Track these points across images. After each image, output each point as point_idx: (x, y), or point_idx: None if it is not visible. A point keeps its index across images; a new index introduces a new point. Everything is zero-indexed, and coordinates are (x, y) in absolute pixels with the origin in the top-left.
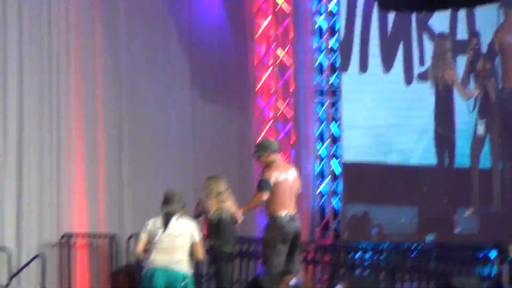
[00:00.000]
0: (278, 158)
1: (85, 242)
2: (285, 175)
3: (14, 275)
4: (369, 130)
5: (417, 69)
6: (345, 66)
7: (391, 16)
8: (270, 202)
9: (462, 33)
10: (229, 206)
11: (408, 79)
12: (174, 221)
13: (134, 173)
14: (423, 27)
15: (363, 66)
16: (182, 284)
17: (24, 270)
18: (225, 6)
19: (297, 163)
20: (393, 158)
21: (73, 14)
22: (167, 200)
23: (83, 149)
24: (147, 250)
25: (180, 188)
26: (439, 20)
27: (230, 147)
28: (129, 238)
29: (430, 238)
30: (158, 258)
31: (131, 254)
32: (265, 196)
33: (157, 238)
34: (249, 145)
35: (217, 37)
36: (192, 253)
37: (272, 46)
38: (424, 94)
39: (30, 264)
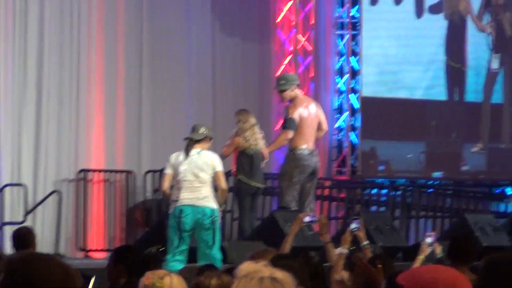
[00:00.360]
0: (300, 92)
1: (101, 177)
2: (308, 110)
3: (30, 211)
4: (380, 64)
5: (428, 1)
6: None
7: None
8: (292, 136)
9: None
10: (261, 141)
11: (419, 12)
12: (196, 155)
13: (153, 107)
14: None
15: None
16: (210, 219)
17: (40, 206)
18: None
19: (316, 97)
20: (400, 93)
21: None
22: (192, 130)
23: (101, 84)
24: (173, 185)
25: (200, 122)
26: None
27: (250, 80)
28: (146, 173)
29: (437, 175)
30: (184, 196)
31: (147, 189)
32: (291, 134)
33: (181, 173)
34: (268, 78)
35: None
36: (215, 183)
37: None
38: (435, 27)
39: (47, 200)
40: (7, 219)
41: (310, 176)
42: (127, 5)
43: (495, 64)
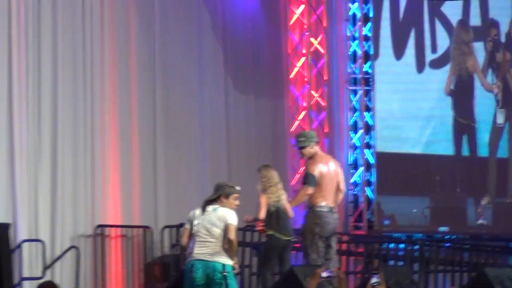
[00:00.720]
0: (319, 149)
1: (119, 233)
2: (327, 167)
3: (49, 266)
4: (385, 118)
5: (429, 56)
6: (376, 55)
7: (402, 2)
8: (312, 193)
9: (475, 20)
10: (284, 196)
11: (420, 67)
12: (211, 211)
13: (168, 164)
14: (436, 13)
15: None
16: (221, 274)
17: (58, 261)
18: None
19: (330, 152)
20: (404, 147)
21: (108, 2)
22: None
23: (116, 141)
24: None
25: (215, 179)
26: (450, 8)
27: (264, 137)
28: (163, 229)
29: (443, 229)
30: (196, 251)
31: (165, 245)
32: (311, 191)
33: (194, 228)
34: (282, 134)
35: (251, 24)
36: (225, 236)
37: (306, 34)
38: (437, 81)
39: (65, 255)
40: (26, 274)
41: (331, 233)
42: (140, 62)
43: (500, 119)
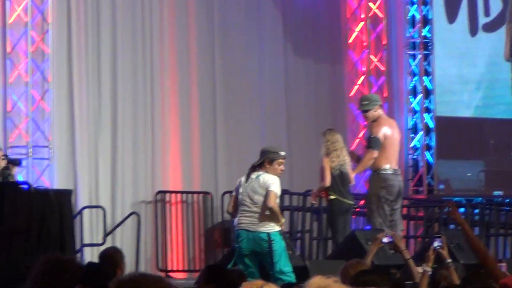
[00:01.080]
0: (382, 112)
1: (179, 199)
2: (391, 130)
3: (109, 233)
4: (442, 83)
5: (482, 20)
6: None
7: None
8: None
9: None
10: (348, 161)
11: (473, 30)
12: (254, 178)
13: (228, 130)
14: None
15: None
16: (266, 243)
17: (119, 228)
18: None
19: (390, 117)
20: (456, 111)
21: None
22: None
23: (177, 106)
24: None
25: (274, 143)
26: None
27: (323, 101)
28: (223, 195)
29: (497, 193)
30: (240, 220)
31: (225, 210)
32: (376, 154)
33: (239, 196)
34: (341, 99)
35: None
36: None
37: None
38: (490, 46)
39: (125, 222)
40: (86, 241)
41: (397, 196)
42: (199, 29)
43: None
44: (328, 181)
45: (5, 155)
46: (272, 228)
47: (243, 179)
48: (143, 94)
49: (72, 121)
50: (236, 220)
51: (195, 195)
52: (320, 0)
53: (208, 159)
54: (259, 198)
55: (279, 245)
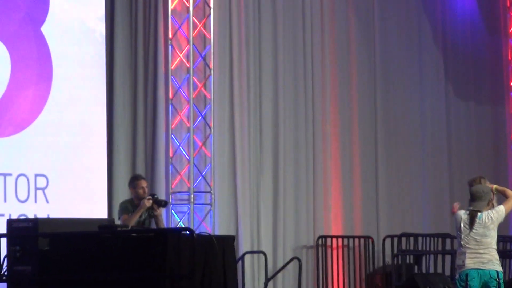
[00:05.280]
0: None
1: (340, 243)
2: None
3: (271, 278)
4: None
5: None
6: None
7: None
8: None
9: None
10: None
11: None
12: (478, 220)
13: (389, 173)
14: None
15: None
16: (496, 281)
17: (280, 273)
18: (478, 1)
19: None
20: None
21: (328, 10)
22: (473, 198)
23: (337, 151)
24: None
25: (436, 187)
26: None
27: (485, 144)
28: (384, 239)
29: None
30: (468, 261)
31: (386, 254)
32: None
33: (463, 238)
34: (504, 142)
35: (470, 30)
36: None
37: None
38: None
39: (287, 267)
40: (248, 286)
41: None
42: (360, 73)
43: None
44: None
45: (152, 195)
46: (499, 268)
47: (466, 219)
48: (305, 138)
49: (234, 166)
50: (460, 262)
51: (356, 240)
52: (481, 42)
53: (369, 203)
54: (486, 240)
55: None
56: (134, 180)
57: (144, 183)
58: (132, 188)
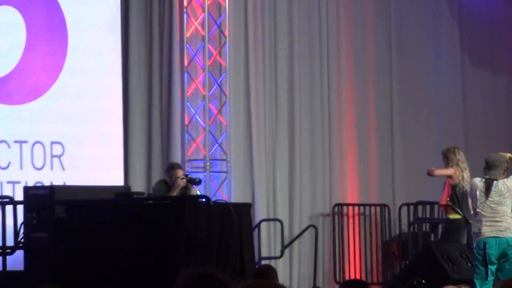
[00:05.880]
0: None
1: (356, 211)
2: None
3: (287, 246)
4: None
5: None
6: None
7: None
8: None
9: None
10: None
11: None
12: (494, 189)
13: (405, 142)
14: None
15: None
16: None
17: (296, 240)
18: None
19: None
20: None
21: None
22: (489, 166)
23: (353, 118)
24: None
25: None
26: None
27: (501, 113)
28: (400, 207)
29: None
30: (484, 229)
31: (402, 222)
32: None
33: (479, 206)
34: None
35: (485, 1)
36: None
37: None
38: None
39: (303, 234)
40: (264, 254)
41: None
42: (376, 40)
43: None
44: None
45: (185, 175)
46: None
47: (481, 187)
48: (320, 106)
49: (249, 134)
50: (476, 231)
51: (372, 207)
52: (497, 12)
53: (385, 171)
54: (502, 208)
55: None
56: (170, 170)
57: (180, 173)
58: (168, 177)
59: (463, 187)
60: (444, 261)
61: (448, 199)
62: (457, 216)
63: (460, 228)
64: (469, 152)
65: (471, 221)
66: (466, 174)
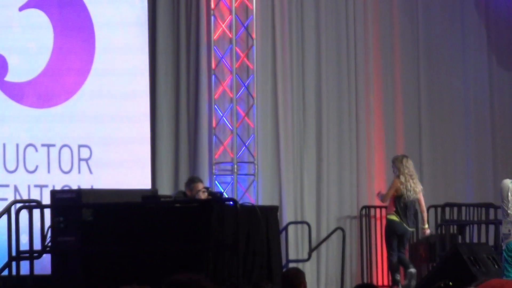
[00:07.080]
0: None
1: (384, 214)
2: None
3: (314, 248)
4: None
5: None
6: None
7: None
8: None
9: None
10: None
11: None
12: None
13: (432, 144)
14: None
15: None
16: None
17: (324, 243)
18: None
19: None
20: None
21: None
22: None
23: (381, 121)
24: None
25: (480, 158)
26: None
27: None
28: (428, 209)
29: None
30: None
31: (430, 225)
32: None
33: (510, 207)
34: None
35: None
36: None
37: None
38: None
39: (330, 237)
40: (292, 256)
41: None
42: (403, 42)
43: None
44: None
45: (206, 188)
46: None
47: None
48: (348, 109)
49: (277, 137)
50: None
51: None
52: None
53: None
54: None
55: None
56: (190, 183)
57: (200, 186)
58: (188, 190)
59: (408, 197)
60: (471, 263)
61: (393, 212)
62: (395, 218)
63: (395, 230)
64: (496, 153)
65: (410, 229)
66: (412, 184)
